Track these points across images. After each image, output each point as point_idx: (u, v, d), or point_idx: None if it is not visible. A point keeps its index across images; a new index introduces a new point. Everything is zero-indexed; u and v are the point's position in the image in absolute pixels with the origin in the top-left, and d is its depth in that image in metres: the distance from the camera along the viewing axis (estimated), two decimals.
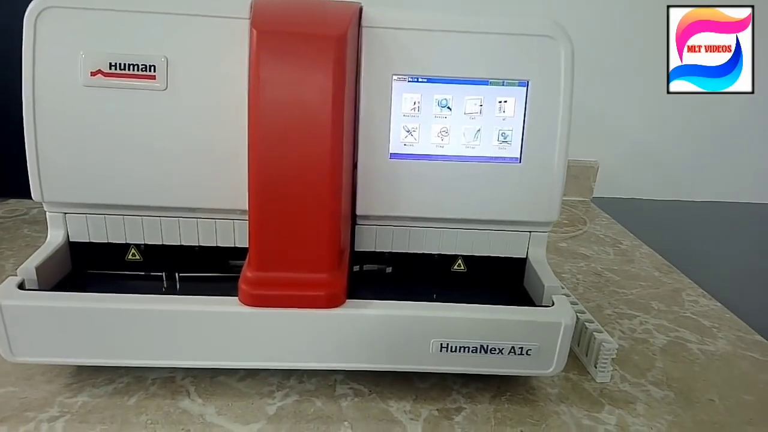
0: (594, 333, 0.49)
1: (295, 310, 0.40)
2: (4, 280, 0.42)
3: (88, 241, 0.48)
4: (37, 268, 0.43)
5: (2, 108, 0.78)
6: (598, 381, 0.48)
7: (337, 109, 0.38)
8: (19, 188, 0.84)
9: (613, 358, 0.48)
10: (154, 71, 0.42)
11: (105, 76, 0.42)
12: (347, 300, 0.41)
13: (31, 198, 0.85)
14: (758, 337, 0.59)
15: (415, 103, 0.44)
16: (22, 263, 0.43)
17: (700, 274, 0.74)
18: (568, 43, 0.44)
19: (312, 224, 0.40)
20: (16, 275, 0.42)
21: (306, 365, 0.43)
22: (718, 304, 0.65)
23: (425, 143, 0.45)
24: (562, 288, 0.46)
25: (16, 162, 0.80)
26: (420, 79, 0.44)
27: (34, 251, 0.46)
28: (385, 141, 0.45)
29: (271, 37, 0.37)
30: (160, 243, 0.48)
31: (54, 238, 0.48)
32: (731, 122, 1.01)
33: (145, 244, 0.48)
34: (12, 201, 0.86)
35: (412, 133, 0.45)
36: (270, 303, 0.40)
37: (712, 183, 1.06)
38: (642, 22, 0.92)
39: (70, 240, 0.48)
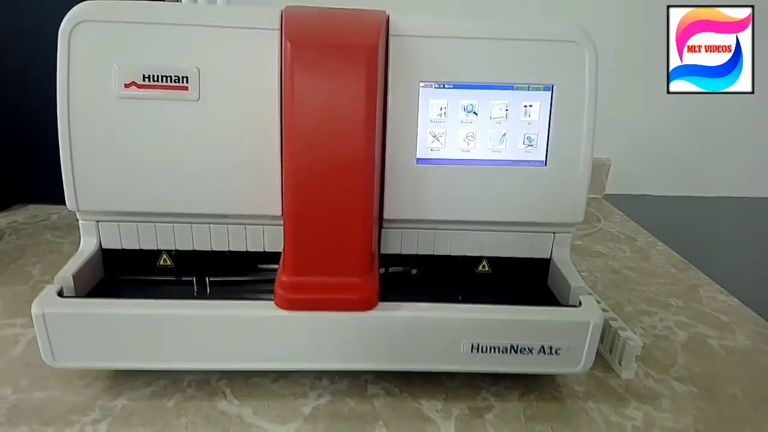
0: (618, 331, 0.50)
1: (329, 314, 0.41)
2: (34, 287, 0.43)
3: (120, 247, 0.49)
4: (74, 276, 0.44)
5: (23, 116, 0.80)
6: (623, 378, 0.49)
7: (370, 117, 0.39)
8: (38, 194, 0.86)
9: (637, 355, 0.49)
10: (187, 82, 0.43)
11: (138, 87, 0.43)
12: (379, 302, 0.42)
13: (49, 203, 0.87)
14: None
15: (441, 108, 0.45)
16: (49, 269, 0.44)
17: (716, 270, 0.75)
18: (592, 47, 0.44)
19: (346, 230, 0.41)
20: (45, 281, 0.43)
21: (340, 366, 0.44)
22: (736, 300, 0.66)
23: (451, 148, 0.46)
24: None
25: (35, 168, 0.82)
26: (446, 86, 0.45)
27: (60, 257, 0.47)
28: (412, 146, 0.45)
29: (304, 49, 0.38)
30: (191, 249, 0.49)
31: (87, 246, 0.49)
32: (742, 116, 1.01)
33: (177, 250, 0.49)
34: (31, 207, 0.87)
35: (439, 138, 0.46)
36: (305, 306, 0.41)
37: (723, 178, 1.06)
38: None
39: (103, 247, 0.49)
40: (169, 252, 0.50)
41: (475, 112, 0.45)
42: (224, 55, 0.43)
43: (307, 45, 0.38)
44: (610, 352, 0.51)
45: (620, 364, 0.49)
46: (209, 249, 0.49)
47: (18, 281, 0.62)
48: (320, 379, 0.47)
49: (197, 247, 0.49)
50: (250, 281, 0.51)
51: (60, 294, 0.43)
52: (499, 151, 0.46)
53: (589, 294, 0.45)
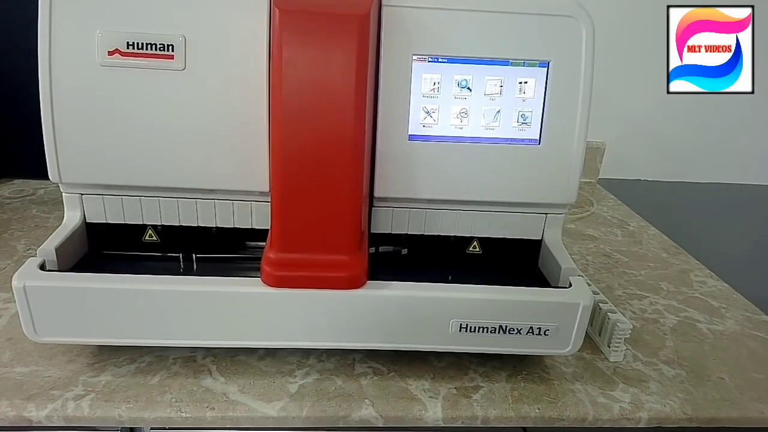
0: (608, 313, 0.50)
1: (317, 291, 0.41)
2: (18, 261, 0.42)
3: (104, 222, 0.48)
4: (57, 249, 0.43)
5: (10, 89, 0.78)
6: (611, 360, 0.49)
7: (360, 89, 0.38)
8: (25, 168, 0.84)
9: (626, 338, 0.49)
10: (172, 51, 0.42)
11: (122, 55, 0.42)
12: (368, 281, 0.42)
13: (36, 178, 0.85)
14: (765, 317, 0.59)
15: (434, 83, 0.44)
16: (34, 244, 0.43)
17: (707, 255, 0.74)
18: (589, 23, 0.43)
19: (335, 206, 0.40)
20: (30, 256, 0.42)
21: (328, 344, 0.44)
22: (726, 284, 0.66)
23: (444, 124, 0.45)
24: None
25: (21, 142, 0.81)
26: (440, 59, 0.43)
27: (45, 232, 0.46)
28: (404, 122, 0.44)
29: (293, 17, 0.37)
30: (178, 224, 0.48)
31: (71, 219, 0.47)
32: (737, 103, 1.01)
33: (163, 225, 0.48)
34: (18, 181, 0.86)
35: (432, 114, 0.45)
36: (293, 284, 0.41)
37: (717, 164, 1.06)
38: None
39: (87, 221, 0.48)
40: (155, 227, 0.49)
41: (469, 88, 0.44)
42: (211, 23, 0.42)
43: (296, 12, 0.37)
44: (599, 335, 0.51)
45: (609, 346, 0.49)
46: (196, 225, 0.48)
47: (2, 256, 0.61)
48: (307, 357, 0.47)
49: (183, 223, 0.48)
50: (237, 258, 0.50)
51: (42, 267, 0.42)
52: (493, 129, 0.45)
53: (580, 276, 0.45)
